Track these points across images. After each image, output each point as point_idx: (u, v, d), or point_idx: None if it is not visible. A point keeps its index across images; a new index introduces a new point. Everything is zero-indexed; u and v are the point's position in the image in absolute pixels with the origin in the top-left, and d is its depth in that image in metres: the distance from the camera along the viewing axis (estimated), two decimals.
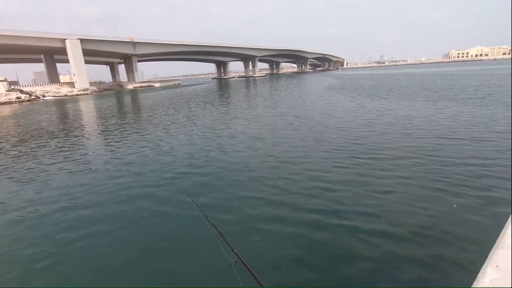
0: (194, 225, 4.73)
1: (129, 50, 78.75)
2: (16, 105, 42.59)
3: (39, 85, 68.69)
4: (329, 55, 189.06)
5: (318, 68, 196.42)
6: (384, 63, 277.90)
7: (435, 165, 6.87)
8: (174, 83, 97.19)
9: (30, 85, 68.48)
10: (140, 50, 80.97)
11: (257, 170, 7.36)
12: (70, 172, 8.26)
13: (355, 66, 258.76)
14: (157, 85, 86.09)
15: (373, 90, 27.41)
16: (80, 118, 21.51)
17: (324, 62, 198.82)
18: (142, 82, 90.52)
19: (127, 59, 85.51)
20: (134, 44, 78.78)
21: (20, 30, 59.86)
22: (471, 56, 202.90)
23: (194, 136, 12.05)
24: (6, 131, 16.80)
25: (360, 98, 21.98)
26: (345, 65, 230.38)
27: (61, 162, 9.35)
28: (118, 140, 12.22)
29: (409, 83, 33.31)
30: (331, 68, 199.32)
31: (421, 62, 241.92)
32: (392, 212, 4.85)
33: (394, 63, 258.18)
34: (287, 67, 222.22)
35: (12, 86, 58.34)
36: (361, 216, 4.79)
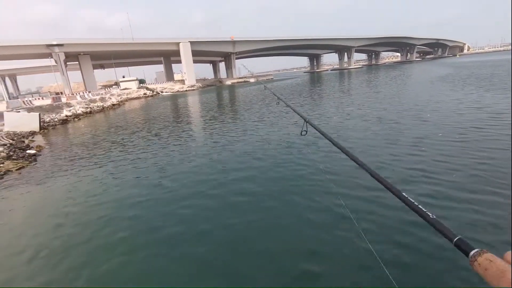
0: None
1: (229, 49, 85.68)
2: (143, 99, 52.18)
3: (159, 82, 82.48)
4: (443, 39, 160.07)
5: (427, 56, 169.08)
6: None
7: None
8: (267, 78, 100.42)
9: (153, 83, 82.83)
10: (238, 48, 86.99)
11: None
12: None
13: (481, 51, 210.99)
14: (252, 80, 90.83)
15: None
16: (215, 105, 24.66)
17: (436, 48, 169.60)
18: (239, 78, 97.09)
19: (227, 57, 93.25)
20: (234, 43, 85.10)
21: (148, 38, 73.12)
22: None
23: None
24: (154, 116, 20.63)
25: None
26: (465, 51, 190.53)
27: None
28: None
29: None
30: (445, 55, 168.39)
31: None
32: None
33: None
34: (389, 57, 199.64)
35: (141, 84, 72.05)
36: None
